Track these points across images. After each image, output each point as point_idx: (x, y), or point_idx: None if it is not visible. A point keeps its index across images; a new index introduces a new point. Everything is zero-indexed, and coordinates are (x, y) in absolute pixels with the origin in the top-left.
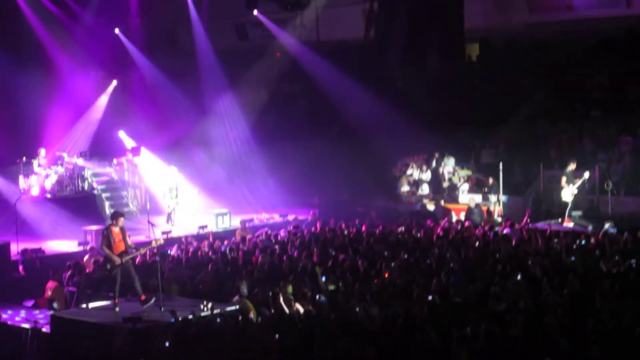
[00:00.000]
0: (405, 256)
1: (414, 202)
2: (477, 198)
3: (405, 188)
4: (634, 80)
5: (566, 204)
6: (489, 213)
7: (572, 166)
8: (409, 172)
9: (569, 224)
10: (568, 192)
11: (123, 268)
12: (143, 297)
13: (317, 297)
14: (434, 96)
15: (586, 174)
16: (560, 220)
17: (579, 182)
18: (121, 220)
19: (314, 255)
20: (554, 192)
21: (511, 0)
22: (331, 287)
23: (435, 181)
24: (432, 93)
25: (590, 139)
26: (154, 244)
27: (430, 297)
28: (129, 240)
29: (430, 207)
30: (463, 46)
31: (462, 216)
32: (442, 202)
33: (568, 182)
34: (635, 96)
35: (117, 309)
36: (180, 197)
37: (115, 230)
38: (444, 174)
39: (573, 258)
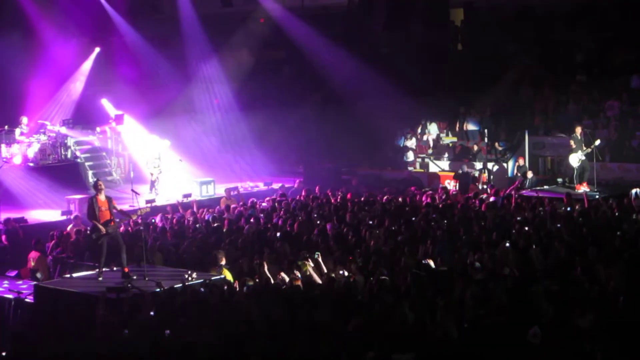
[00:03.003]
0: (391, 224)
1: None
2: (463, 165)
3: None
4: (619, 45)
5: (574, 168)
6: (474, 180)
7: (578, 130)
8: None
9: (579, 190)
10: (575, 158)
11: (111, 238)
12: (126, 270)
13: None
14: (418, 62)
15: (597, 142)
16: (567, 185)
17: (588, 150)
18: (100, 184)
19: (296, 224)
20: (539, 159)
21: None
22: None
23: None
24: (416, 59)
25: (576, 104)
26: (140, 212)
27: (420, 262)
28: (118, 207)
29: (417, 174)
30: (447, 11)
31: (451, 184)
32: (428, 169)
33: (576, 146)
34: (620, 61)
35: (101, 278)
36: (163, 166)
37: (101, 198)
38: (428, 141)
39: (559, 225)
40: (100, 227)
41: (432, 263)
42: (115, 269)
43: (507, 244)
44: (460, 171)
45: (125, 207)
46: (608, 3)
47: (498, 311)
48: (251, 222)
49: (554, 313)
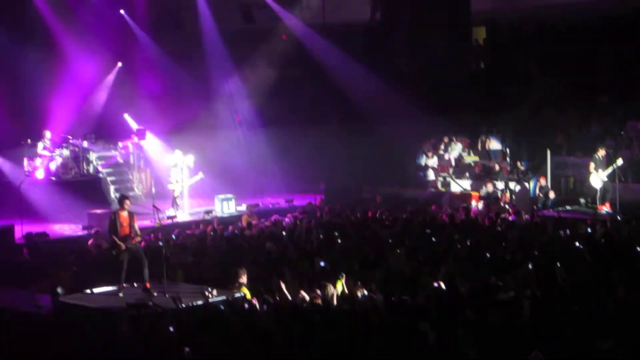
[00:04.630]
0: (412, 243)
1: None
2: (488, 184)
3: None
4: None
5: (595, 190)
6: (496, 199)
7: (601, 152)
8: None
9: (601, 211)
10: (597, 178)
11: (132, 253)
12: (147, 285)
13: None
14: (440, 80)
15: (619, 161)
16: (590, 205)
17: (609, 170)
18: (127, 203)
19: (316, 243)
20: (562, 179)
21: None
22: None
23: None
24: (438, 77)
25: (598, 124)
26: (157, 224)
27: (435, 284)
28: (136, 226)
29: (440, 193)
30: (469, 29)
31: (473, 203)
32: (450, 189)
33: (597, 167)
34: None
35: (122, 294)
36: (185, 181)
37: (124, 214)
38: (450, 160)
39: (581, 246)
40: (120, 243)
41: (442, 285)
42: (135, 284)
43: (530, 266)
44: (485, 191)
45: (147, 222)
46: (631, 20)
47: (519, 332)
48: (272, 240)
49: (574, 334)
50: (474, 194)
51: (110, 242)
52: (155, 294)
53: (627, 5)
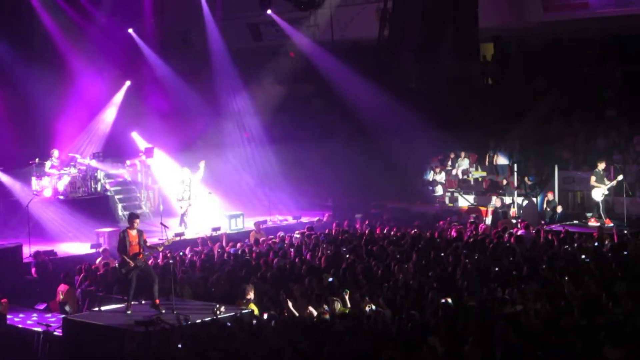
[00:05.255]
0: (419, 258)
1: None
2: (496, 199)
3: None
4: None
5: (597, 203)
6: (505, 214)
7: (601, 165)
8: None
9: (609, 225)
10: (599, 192)
11: (141, 271)
12: (157, 301)
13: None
14: (448, 96)
15: (620, 176)
16: (592, 219)
17: (611, 184)
18: (137, 222)
19: (323, 258)
20: (569, 194)
21: None
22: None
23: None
24: (446, 93)
25: (605, 138)
26: (167, 242)
27: (443, 300)
28: (148, 242)
29: (448, 208)
30: (477, 45)
31: (485, 219)
32: (458, 204)
33: (598, 181)
34: None
35: (130, 312)
36: (193, 199)
37: (132, 233)
38: (457, 175)
39: (587, 259)
40: (129, 260)
41: (450, 301)
42: (143, 302)
43: (537, 280)
44: (493, 206)
45: (155, 239)
46: (638, 36)
47: (528, 346)
48: (280, 256)
49: (584, 347)
50: (482, 209)
51: (120, 260)
52: (163, 311)
53: (635, 20)
